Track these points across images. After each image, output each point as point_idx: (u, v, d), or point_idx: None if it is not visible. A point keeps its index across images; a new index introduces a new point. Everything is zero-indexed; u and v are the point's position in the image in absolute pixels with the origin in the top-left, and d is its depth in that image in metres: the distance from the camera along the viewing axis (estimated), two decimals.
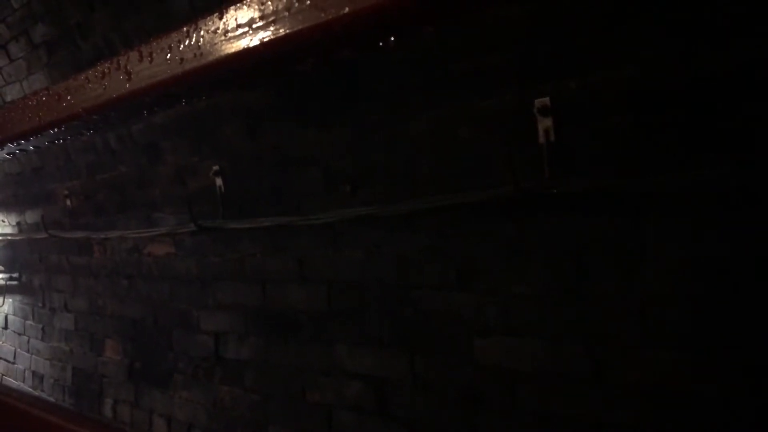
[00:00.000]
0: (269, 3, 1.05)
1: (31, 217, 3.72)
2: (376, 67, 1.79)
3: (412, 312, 1.81)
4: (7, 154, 2.94)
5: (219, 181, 2.39)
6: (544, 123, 1.45)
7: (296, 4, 1.00)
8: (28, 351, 3.83)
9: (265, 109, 2.13)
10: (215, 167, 2.38)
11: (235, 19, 1.10)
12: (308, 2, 0.99)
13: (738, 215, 1.25)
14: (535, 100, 1.46)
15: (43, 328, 3.68)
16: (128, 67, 1.34)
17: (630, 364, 1.38)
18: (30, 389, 3.75)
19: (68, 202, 3.26)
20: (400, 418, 1.83)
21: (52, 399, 3.52)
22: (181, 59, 1.21)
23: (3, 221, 4.05)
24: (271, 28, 1.03)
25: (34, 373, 3.75)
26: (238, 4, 1.11)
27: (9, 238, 3.94)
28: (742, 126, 1.22)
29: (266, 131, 2.17)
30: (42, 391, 3.63)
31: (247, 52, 1.07)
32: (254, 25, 1.06)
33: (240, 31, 1.10)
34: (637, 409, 1.37)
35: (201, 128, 2.39)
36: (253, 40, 1.06)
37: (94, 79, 1.43)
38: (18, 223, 3.89)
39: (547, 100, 1.44)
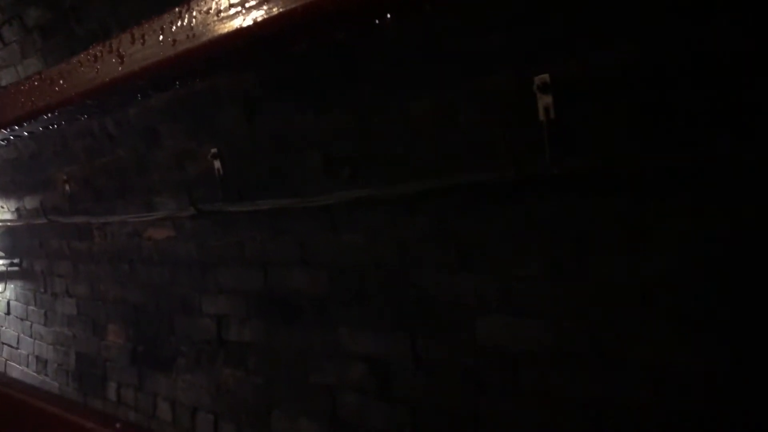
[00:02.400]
0: None
1: (30, 202, 3.70)
2: (374, 48, 1.75)
3: (413, 294, 1.80)
4: (2, 140, 2.92)
5: (218, 165, 2.36)
6: (544, 100, 1.43)
7: None
8: (30, 336, 3.85)
9: (263, 92, 2.09)
10: (213, 150, 2.35)
11: None
12: None
13: (738, 193, 1.23)
14: (534, 77, 1.43)
15: (45, 314, 3.69)
16: (121, 50, 1.31)
17: (631, 342, 1.38)
18: (34, 374, 3.77)
19: (67, 188, 3.24)
20: (403, 399, 1.83)
21: (55, 383, 3.54)
22: (174, 41, 1.18)
23: (2, 207, 4.03)
24: (264, 7, 1.00)
25: (37, 358, 3.77)
26: None
27: (9, 224, 3.93)
28: (741, 104, 1.20)
29: (264, 114, 2.14)
30: (45, 375, 3.65)
31: (240, 32, 1.04)
32: (247, 5, 1.03)
33: (233, 10, 1.07)
34: (638, 388, 1.36)
35: (199, 112, 2.36)
36: (246, 20, 1.03)
37: (87, 62, 1.40)
38: (17, 209, 3.87)
39: (546, 77, 1.42)
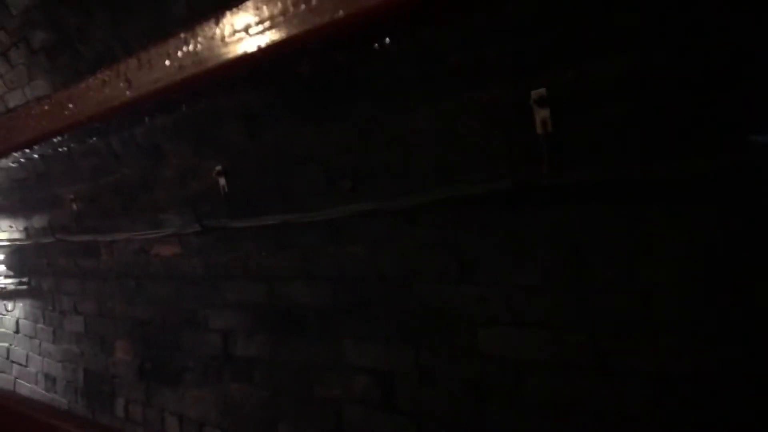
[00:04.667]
0: (264, 8, 1.07)
1: (38, 221, 3.75)
2: (373, 64, 1.80)
3: (416, 305, 1.83)
4: (12, 162, 2.98)
5: (222, 181, 2.41)
6: (541, 114, 1.47)
7: (291, 9, 1.01)
8: (39, 354, 3.88)
9: (265, 108, 2.14)
10: (218, 167, 2.40)
11: (232, 25, 1.12)
12: (303, 7, 1.00)
13: (735, 203, 1.26)
14: (531, 91, 1.47)
15: (54, 331, 3.72)
16: (128, 75, 1.35)
17: (632, 351, 1.40)
18: (43, 391, 3.80)
19: (74, 206, 3.29)
20: (407, 411, 1.85)
21: (64, 401, 3.57)
22: (180, 66, 1.23)
23: (11, 227, 4.08)
24: (268, 33, 1.04)
25: (46, 376, 3.79)
26: (234, 10, 1.13)
27: (18, 243, 3.98)
28: (736, 115, 1.23)
29: (266, 130, 2.19)
30: (54, 393, 3.68)
31: (245, 57, 1.08)
32: (250, 31, 1.08)
33: (237, 36, 1.12)
34: (639, 396, 1.39)
35: (202, 129, 2.41)
36: (250, 46, 1.07)
37: (96, 87, 1.45)
38: (26, 229, 3.93)
39: (543, 90, 1.46)
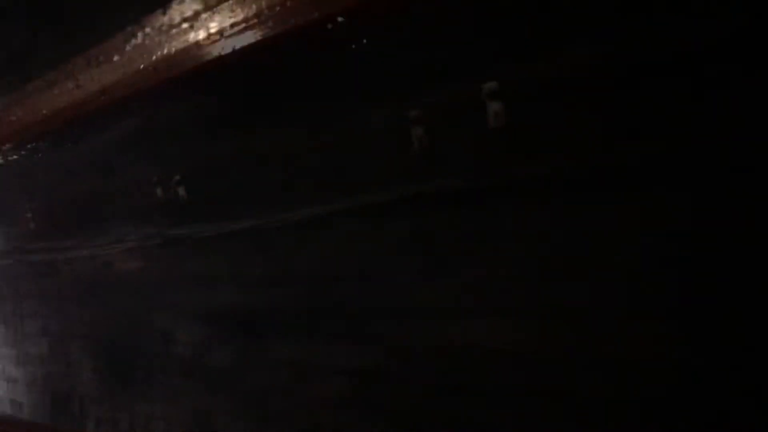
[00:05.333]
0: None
1: None
2: (328, 64, 1.78)
3: (386, 303, 1.82)
4: None
5: (182, 190, 2.36)
6: (494, 107, 1.46)
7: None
8: (4, 379, 3.76)
9: (222, 112, 2.11)
10: (177, 177, 2.35)
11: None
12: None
13: (674, 193, 1.28)
14: (482, 85, 1.47)
15: (17, 355, 3.62)
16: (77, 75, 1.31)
17: (594, 337, 1.41)
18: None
19: (31, 225, 3.19)
20: (382, 409, 1.84)
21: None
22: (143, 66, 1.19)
23: None
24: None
25: (11, 402, 3.68)
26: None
27: None
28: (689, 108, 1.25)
29: (226, 134, 2.15)
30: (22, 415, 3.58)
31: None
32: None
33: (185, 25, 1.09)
34: (604, 380, 1.40)
35: (160, 138, 2.36)
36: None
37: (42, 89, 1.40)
38: None
39: (495, 84, 1.45)
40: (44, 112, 1.44)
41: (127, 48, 1.18)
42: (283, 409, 2.13)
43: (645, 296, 1.35)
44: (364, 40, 1.59)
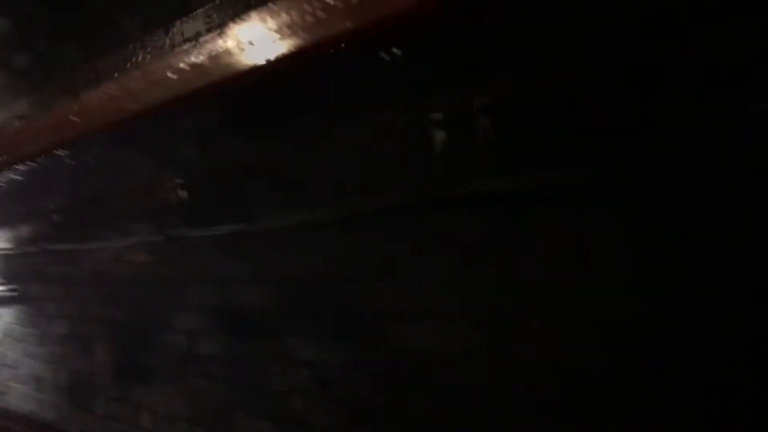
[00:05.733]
0: None
1: (24, 232, 3.96)
2: (308, 86, 1.98)
3: (347, 304, 2.02)
4: (17, 175, 3.24)
5: (182, 193, 2.60)
6: (439, 135, 1.65)
7: None
8: (28, 357, 4.09)
9: (214, 124, 2.33)
10: (178, 180, 2.59)
11: None
12: None
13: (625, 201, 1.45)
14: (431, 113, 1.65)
15: (41, 335, 3.93)
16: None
17: (515, 340, 1.59)
18: (33, 392, 4.01)
19: (55, 217, 3.49)
20: (341, 399, 2.04)
21: (52, 400, 3.78)
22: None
23: (1, 236, 4.30)
24: None
25: (35, 377, 4.01)
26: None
27: (6, 252, 4.20)
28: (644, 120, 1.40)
29: (218, 146, 2.38)
30: (42, 393, 3.89)
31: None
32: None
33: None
34: (528, 381, 1.58)
35: (164, 145, 2.61)
36: None
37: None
38: (13, 239, 4.14)
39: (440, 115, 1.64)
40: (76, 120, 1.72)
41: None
42: (255, 396, 2.35)
43: (551, 298, 1.52)
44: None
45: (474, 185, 1.61)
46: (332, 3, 1.44)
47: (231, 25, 1.61)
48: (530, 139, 1.52)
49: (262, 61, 1.64)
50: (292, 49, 1.60)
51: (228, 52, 1.72)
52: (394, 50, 1.68)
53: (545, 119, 1.50)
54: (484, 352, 1.66)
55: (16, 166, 3.21)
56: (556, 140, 1.50)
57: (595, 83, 1.40)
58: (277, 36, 1.54)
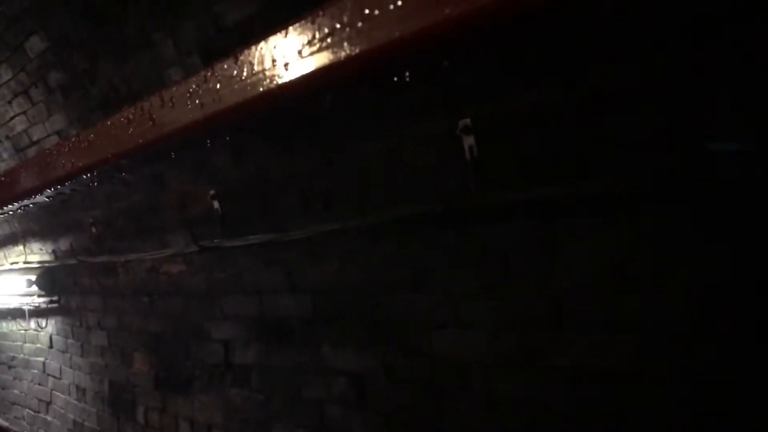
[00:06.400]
0: None
1: (63, 244, 4.07)
2: (333, 103, 1.99)
3: (381, 313, 2.02)
4: (47, 197, 3.31)
5: (216, 204, 2.64)
6: (468, 141, 1.65)
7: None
8: (71, 367, 4.19)
9: (248, 139, 2.36)
10: (211, 192, 2.63)
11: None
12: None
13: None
14: (459, 121, 1.65)
15: (81, 345, 4.03)
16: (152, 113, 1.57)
17: (554, 348, 1.57)
18: (75, 401, 4.11)
19: (93, 230, 3.58)
20: (377, 409, 2.04)
21: (93, 410, 3.87)
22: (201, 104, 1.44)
23: (41, 249, 4.42)
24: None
25: (77, 387, 4.10)
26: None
27: (47, 264, 4.31)
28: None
29: (250, 159, 2.41)
30: (85, 402, 3.98)
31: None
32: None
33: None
34: (559, 387, 1.55)
35: (198, 158, 2.65)
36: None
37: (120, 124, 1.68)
38: (53, 251, 4.25)
39: (468, 121, 1.64)
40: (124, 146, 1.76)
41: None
42: (293, 404, 2.36)
43: (587, 309, 1.50)
44: None
45: (511, 194, 1.60)
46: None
47: (265, 40, 1.61)
48: (565, 148, 1.50)
49: (295, 77, 1.65)
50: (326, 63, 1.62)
51: (262, 69, 1.74)
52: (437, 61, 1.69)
53: (581, 129, 1.48)
54: (522, 361, 1.64)
55: (56, 183, 3.31)
56: (590, 149, 1.47)
57: (630, 93, 1.38)
58: (311, 49, 1.55)
